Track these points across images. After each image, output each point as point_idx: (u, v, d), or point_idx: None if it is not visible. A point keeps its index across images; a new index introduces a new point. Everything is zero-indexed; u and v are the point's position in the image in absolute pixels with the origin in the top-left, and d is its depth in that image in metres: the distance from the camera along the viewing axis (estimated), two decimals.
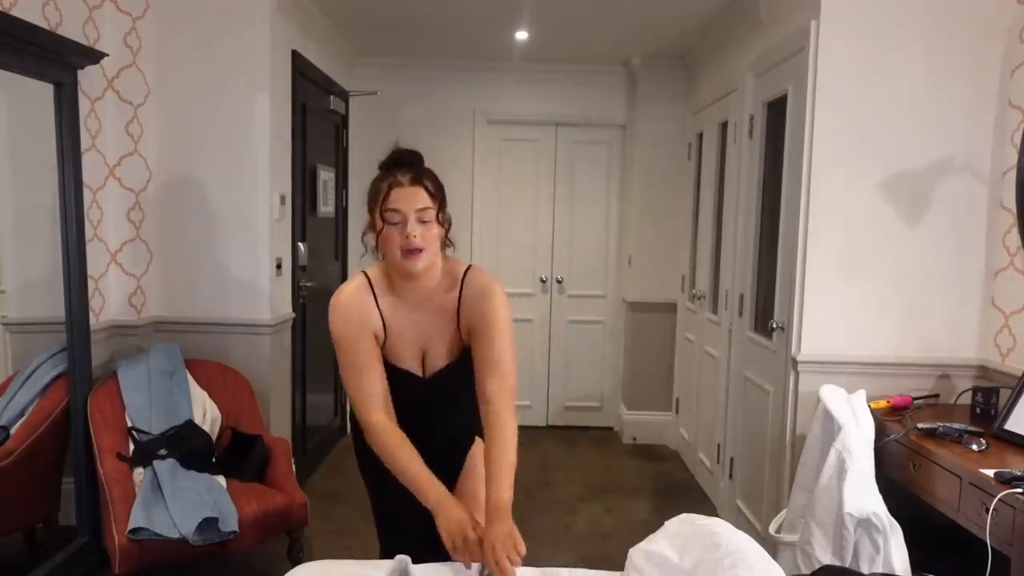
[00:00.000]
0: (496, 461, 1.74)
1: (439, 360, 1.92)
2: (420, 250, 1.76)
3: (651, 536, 1.76)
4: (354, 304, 1.87)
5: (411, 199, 1.76)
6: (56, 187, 2.74)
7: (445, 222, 1.84)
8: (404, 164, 1.80)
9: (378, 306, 1.87)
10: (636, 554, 1.70)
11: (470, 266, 1.93)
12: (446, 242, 1.88)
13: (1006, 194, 2.67)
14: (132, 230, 3.25)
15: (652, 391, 5.04)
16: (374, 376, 1.85)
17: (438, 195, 1.81)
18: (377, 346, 1.87)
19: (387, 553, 1.89)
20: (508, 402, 1.82)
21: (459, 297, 1.89)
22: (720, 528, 1.67)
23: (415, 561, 1.70)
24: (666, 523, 1.79)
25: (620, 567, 1.75)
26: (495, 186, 5.13)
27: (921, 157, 2.75)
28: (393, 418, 1.85)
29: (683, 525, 1.73)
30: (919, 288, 2.80)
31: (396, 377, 1.89)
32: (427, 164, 1.86)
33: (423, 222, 1.77)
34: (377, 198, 1.79)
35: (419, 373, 1.93)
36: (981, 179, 2.75)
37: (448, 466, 1.93)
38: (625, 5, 3.79)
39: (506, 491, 1.70)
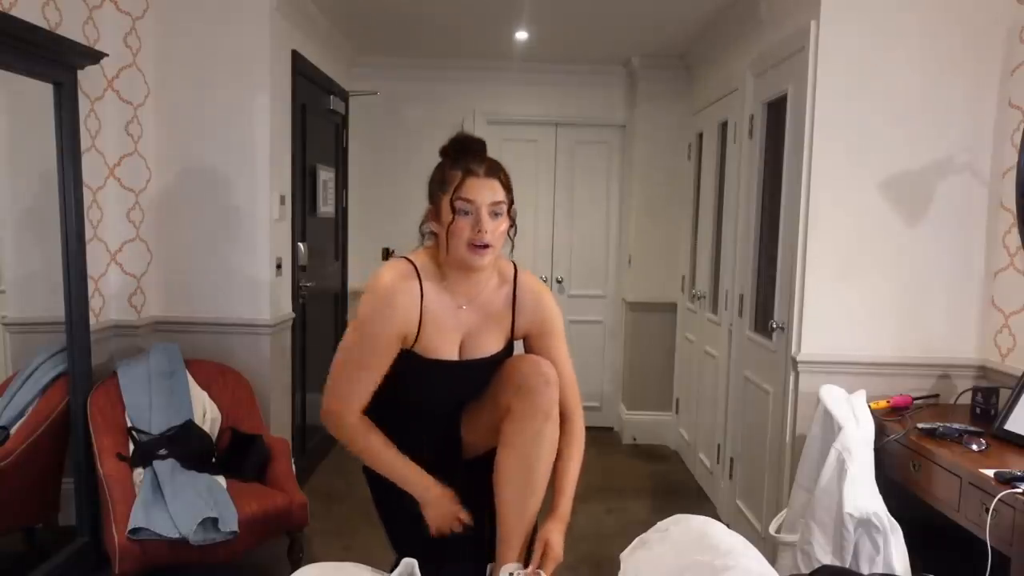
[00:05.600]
0: (571, 472, 1.84)
1: (477, 351, 1.83)
2: (488, 246, 1.70)
3: (642, 536, 1.75)
4: (398, 292, 1.73)
5: (486, 191, 1.69)
6: (56, 187, 2.74)
7: (513, 216, 1.78)
8: (475, 152, 1.74)
9: (422, 296, 1.75)
10: (628, 557, 1.70)
11: (515, 264, 1.89)
12: (510, 237, 1.81)
13: (1006, 194, 2.67)
14: (132, 230, 3.25)
15: (652, 391, 5.05)
16: (374, 379, 1.77)
17: (510, 189, 1.77)
18: (397, 349, 1.76)
19: (397, 555, 1.85)
20: (579, 404, 1.92)
21: (513, 297, 1.85)
22: (713, 529, 1.66)
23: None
24: (658, 523, 1.78)
25: (619, 568, 1.75)
26: None
27: (921, 157, 2.76)
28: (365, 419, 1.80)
29: (676, 525, 1.73)
30: (919, 288, 2.80)
31: (425, 368, 1.80)
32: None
33: (495, 215, 1.71)
34: (447, 185, 1.70)
35: (454, 358, 1.83)
36: (981, 179, 2.75)
37: (456, 454, 1.90)
38: (625, 5, 3.79)
39: (567, 503, 1.81)
